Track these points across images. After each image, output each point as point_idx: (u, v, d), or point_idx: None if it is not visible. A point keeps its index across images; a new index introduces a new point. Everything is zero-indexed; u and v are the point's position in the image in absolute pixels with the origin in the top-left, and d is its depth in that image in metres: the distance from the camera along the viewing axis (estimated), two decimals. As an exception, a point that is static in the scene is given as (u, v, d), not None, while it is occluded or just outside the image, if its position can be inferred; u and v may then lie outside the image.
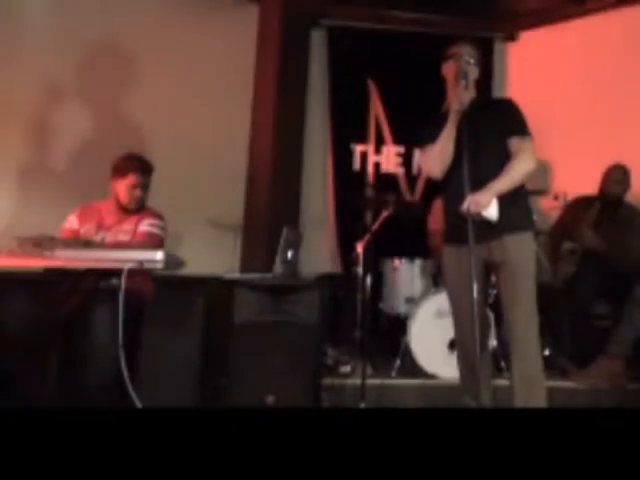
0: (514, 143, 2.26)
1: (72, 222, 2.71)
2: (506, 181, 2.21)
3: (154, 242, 2.65)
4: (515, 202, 2.26)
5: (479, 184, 2.18)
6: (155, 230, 2.69)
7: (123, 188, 2.70)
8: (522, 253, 2.25)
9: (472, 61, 2.33)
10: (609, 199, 3.59)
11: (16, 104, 3.61)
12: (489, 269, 2.30)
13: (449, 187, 2.36)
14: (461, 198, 2.17)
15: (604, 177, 3.65)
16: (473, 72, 2.34)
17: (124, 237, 2.67)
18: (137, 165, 2.71)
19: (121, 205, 2.72)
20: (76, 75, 3.80)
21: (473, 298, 2.08)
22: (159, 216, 2.78)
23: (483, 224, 2.18)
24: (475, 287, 2.08)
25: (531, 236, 2.32)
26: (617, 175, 3.61)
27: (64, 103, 3.77)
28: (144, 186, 2.74)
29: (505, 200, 2.21)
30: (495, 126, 2.29)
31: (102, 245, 2.58)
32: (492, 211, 2.19)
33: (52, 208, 3.23)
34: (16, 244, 2.14)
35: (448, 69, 2.36)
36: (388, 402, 2.98)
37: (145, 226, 2.69)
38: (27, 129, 3.69)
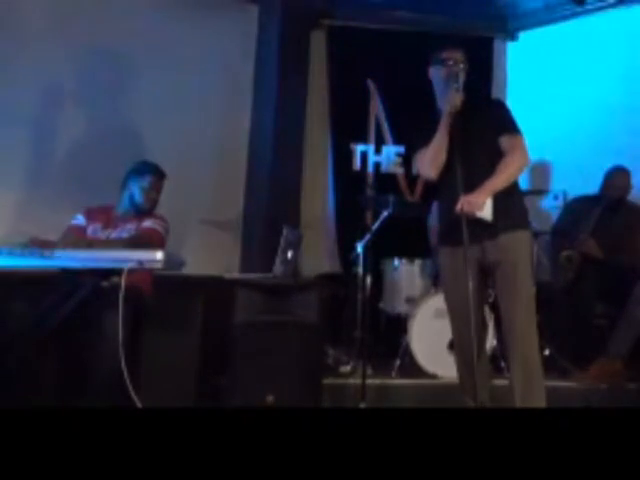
0: (505, 141, 2.27)
1: (80, 219, 2.76)
2: (499, 179, 2.22)
3: (156, 238, 2.68)
4: (510, 201, 2.26)
5: (472, 184, 2.19)
6: (158, 228, 2.73)
7: (139, 188, 2.77)
8: (518, 252, 2.25)
9: (462, 66, 2.35)
10: (611, 202, 3.58)
11: (18, 106, 3.62)
12: (485, 269, 2.30)
13: (443, 188, 2.37)
14: (455, 199, 2.17)
15: (606, 180, 3.63)
16: (462, 76, 2.36)
17: (128, 235, 2.70)
18: (154, 168, 2.84)
19: (135, 205, 2.77)
20: (77, 78, 3.80)
21: (468, 298, 2.08)
22: (163, 218, 2.83)
23: (478, 224, 2.18)
24: (470, 287, 2.08)
25: (527, 234, 2.32)
26: (619, 178, 3.60)
27: (65, 105, 3.77)
28: (158, 189, 2.84)
29: (499, 199, 2.21)
30: (486, 126, 2.30)
31: (104, 243, 2.59)
32: (486, 211, 2.19)
33: (54, 210, 3.24)
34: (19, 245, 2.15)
35: (437, 73, 2.38)
36: (388, 402, 2.99)
37: (149, 222, 2.73)
38: (29, 131, 3.68)
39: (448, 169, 2.28)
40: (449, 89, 2.29)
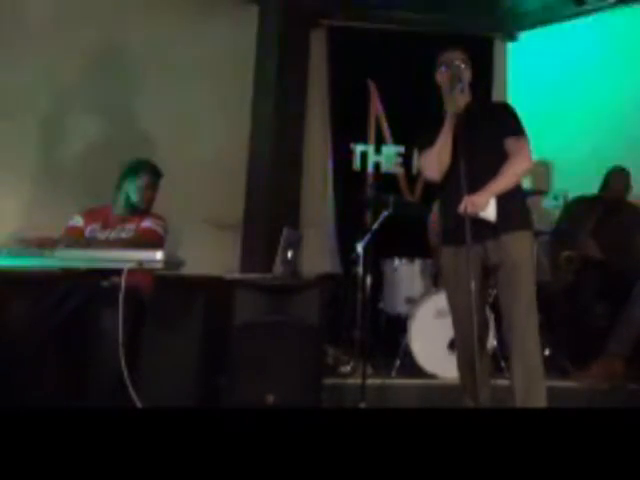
0: (510, 143, 2.28)
1: (77, 220, 2.76)
2: (503, 181, 2.23)
3: (155, 238, 2.68)
4: (512, 202, 2.26)
5: (476, 185, 2.19)
6: (157, 228, 2.73)
7: (135, 188, 2.77)
8: (520, 252, 2.25)
9: (463, 66, 2.37)
10: (611, 202, 3.58)
11: (21, 107, 3.62)
12: (487, 269, 2.31)
13: (446, 188, 2.37)
14: (459, 199, 2.18)
15: (605, 181, 3.64)
16: (466, 76, 2.38)
17: (127, 235, 2.70)
18: (150, 167, 2.84)
19: (131, 205, 2.77)
20: (80, 79, 3.80)
21: (471, 298, 2.08)
22: (161, 218, 2.83)
23: (480, 224, 2.19)
24: (473, 287, 2.09)
25: (529, 235, 2.33)
26: (619, 179, 3.60)
27: (65, 106, 3.77)
28: (155, 188, 2.84)
29: (502, 200, 2.22)
30: (491, 127, 2.31)
31: (103, 244, 2.60)
32: (490, 211, 2.20)
33: (58, 209, 3.24)
34: (19, 244, 2.16)
35: (441, 76, 2.39)
36: (388, 402, 2.98)
37: (148, 222, 2.72)
38: (35, 130, 3.69)
39: (452, 170, 2.28)
40: (453, 90, 2.30)
